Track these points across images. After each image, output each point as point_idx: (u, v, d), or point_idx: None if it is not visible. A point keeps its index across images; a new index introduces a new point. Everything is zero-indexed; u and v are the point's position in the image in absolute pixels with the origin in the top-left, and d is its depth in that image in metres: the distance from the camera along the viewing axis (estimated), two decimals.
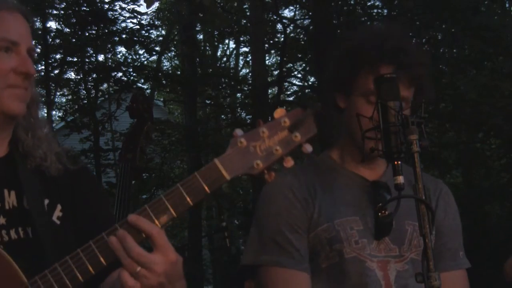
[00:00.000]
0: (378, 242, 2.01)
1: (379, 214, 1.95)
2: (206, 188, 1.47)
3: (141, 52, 13.29)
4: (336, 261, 1.99)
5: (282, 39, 12.31)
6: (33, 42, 1.76)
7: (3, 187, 1.68)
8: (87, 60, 11.27)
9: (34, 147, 1.72)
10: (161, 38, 14.85)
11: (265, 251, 2.02)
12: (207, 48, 17.06)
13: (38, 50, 9.91)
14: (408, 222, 2.04)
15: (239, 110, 14.15)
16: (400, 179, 1.74)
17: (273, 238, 2.01)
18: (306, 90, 12.79)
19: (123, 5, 10.98)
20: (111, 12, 10.98)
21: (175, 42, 15.04)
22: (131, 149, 3.15)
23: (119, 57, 13.78)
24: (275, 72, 14.67)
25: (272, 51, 14.72)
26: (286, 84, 13.88)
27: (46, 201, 1.71)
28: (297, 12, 13.38)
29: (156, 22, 14.19)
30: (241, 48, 17.32)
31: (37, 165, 1.72)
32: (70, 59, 10.93)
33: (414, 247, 2.04)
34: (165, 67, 17.17)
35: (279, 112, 1.50)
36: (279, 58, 13.21)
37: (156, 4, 13.32)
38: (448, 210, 2.13)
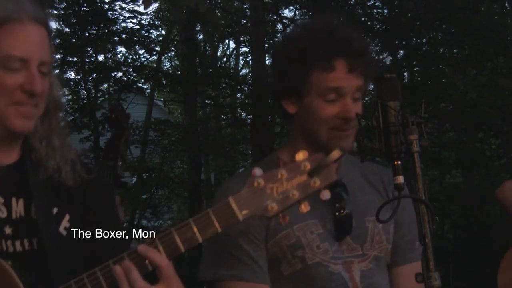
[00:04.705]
0: (339, 243, 1.98)
1: (337, 213, 1.93)
2: (218, 226, 1.48)
3: (141, 52, 13.27)
4: (299, 268, 1.96)
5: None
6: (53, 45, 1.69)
7: (12, 195, 1.64)
8: (87, 60, 11.25)
9: (47, 157, 1.68)
10: (161, 38, 14.84)
11: (223, 265, 1.96)
12: (207, 48, 17.05)
13: None
14: (368, 219, 2.01)
15: (239, 110, 14.12)
16: (400, 179, 1.73)
17: (230, 252, 1.95)
18: None
19: (123, 5, 10.96)
20: (111, 12, 10.96)
21: (175, 42, 15.02)
22: (112, 157, 3.18)
23: (119, 57, 13.78)
24: None
25: (272, 51, 14.68)
26: None
27: (55, 210, 1.68)
28: (297, 12, 13.36)
29: (156, 22, 14.18)
30: (241, 48, 17.30)
31: (49, 176, 1.67)
32: (70, 59, 10.90)
33: (377, 243, 2.02)
34: (165, 67, 17.15)
35: (300, 155, 1.47)
36: None
37: (156, 4, 13.33)
38: (405, 201, 2.10)
